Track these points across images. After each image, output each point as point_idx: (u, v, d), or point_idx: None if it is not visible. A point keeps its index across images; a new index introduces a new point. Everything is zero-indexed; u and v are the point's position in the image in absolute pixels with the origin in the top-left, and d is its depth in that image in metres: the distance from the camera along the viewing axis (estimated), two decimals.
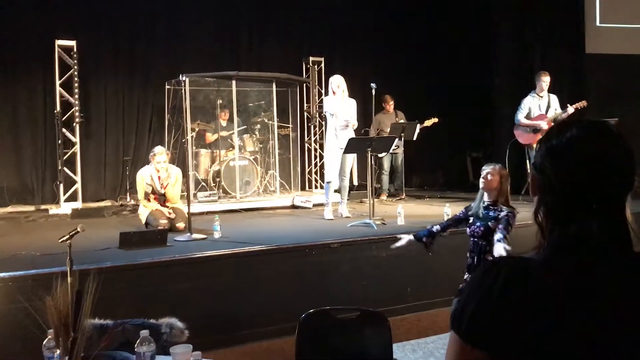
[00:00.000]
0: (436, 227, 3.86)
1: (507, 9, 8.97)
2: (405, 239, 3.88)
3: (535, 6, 8.51)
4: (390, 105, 8.59)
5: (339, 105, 6.22)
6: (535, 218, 1.17)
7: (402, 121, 8.36)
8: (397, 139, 6.95)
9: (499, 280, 1.13)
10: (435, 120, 8.20)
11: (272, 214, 7.20)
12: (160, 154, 5.78)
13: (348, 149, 6.13)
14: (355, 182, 6.49)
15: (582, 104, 6.89)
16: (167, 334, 2.49)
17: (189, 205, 5.42)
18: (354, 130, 6.32)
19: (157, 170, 5.79)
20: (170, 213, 5.79)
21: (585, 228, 1.07)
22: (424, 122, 8.17)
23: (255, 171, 7.98)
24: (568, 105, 6.95)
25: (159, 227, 5.45)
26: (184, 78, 5.44)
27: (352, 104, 6.32)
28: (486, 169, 3.65)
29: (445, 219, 4.18)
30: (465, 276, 3.67)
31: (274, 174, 8.49)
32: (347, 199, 6.69)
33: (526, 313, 1.10)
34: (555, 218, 1.12)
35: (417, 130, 8.02)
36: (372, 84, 6.61)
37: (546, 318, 1.09)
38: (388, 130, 8.16)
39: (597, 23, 8.50)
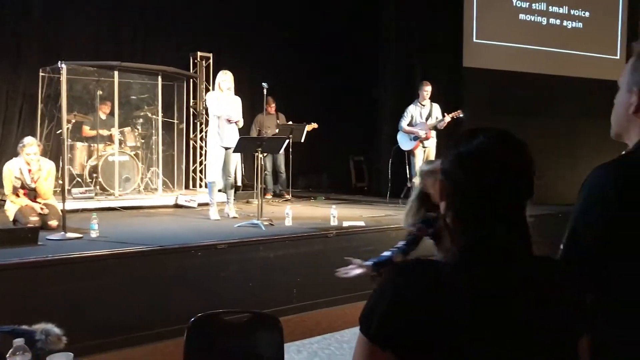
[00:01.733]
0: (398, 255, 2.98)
1: (393, 20, 9.31)
2: (359, 270, 2.89)
3: (419, 19, 8.91)
4: (272, 107, 8.59)
5: (224, 102, 6.10)
6: (444, 223, 1.20)
7: (290, 123, 8.40)
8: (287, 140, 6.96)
9: (409, 282, 1.15)
10: (315, 125, 8.31)
11: (154, 213, 6.92)
12: (31, 145, 5.35)
13: (238, 148, 6.04)
14: (240, 183, 6.39)
15: (457, 113, 7.31)
16: (42, 341, 2.27)
17: (63, 202, 5.06)
18: (239, 130, 6.24)
19: (27, 163, 5.35)
20: (42, 209, 5.37)
21: (491, 232, 1.12)
22: (305, 126, 8.26)
23: (136, 167, 7.63)
24: (445, 114, 7.36)
25: (29, 225, 5.03)
26: (62, 65, 5.04)
27: (238, 101, 6.22)
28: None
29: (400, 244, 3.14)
30: None
31: (156, 171, 8.17)
32: (234, 199, 6.59)
33: (437, 315, 1.11)
34: (463, 222, 1.16)
35: (305, 132, 8.11)
36: (263, 84, 6.56)
37: (457, 320, 1.12)
38: (269, 131, 8.17)
39: (474, 39, 9.08)
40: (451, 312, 1.11)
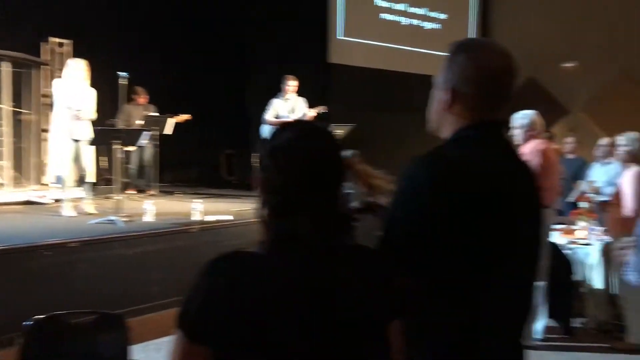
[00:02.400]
0: None
1: (260, 15, 9.31)
2: None
3: (286, 13, 8.98)
4: (143, 98, 8.26)
5: (74, 92, 5.76)
6: (260, 215, 1.22)
7: (153, 114, 8.11)
8: (147, 132, 6.72)
9: (222, 275, 1.15)
10: (188, 117, 8.13)
11: (1, 211, 6.38)
12: None
13: (94, 141, 5.73)
14: (93, 179, 6.05)
15: (321, 108, 7.47)
16: None
17: None
18: (92, 122, 5.91)
19: None
20: None
21: (300, 222, 1.15)
22: (175, 118, 8.04)
23: None
24: (310, 109, 7.49)
25: None
26: None
27: (91, 93, 5.91)
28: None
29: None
30: None
31: (4, 165, 7.52)
32: (92, 195, 6.25)
33: (251, 306, 1.13)
34: (276, 213, 1.19)
35: (170, 124, 7.86)
36: (122, 73, 6.27)
37: (270, 310, 1.14)
38: (136, 122, 7.85)
39: (339, 36, 9.33)
40: (262, 302, 1.13)
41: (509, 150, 1.51)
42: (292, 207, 1.17)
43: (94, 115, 5.92)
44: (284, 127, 1.23)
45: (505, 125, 1.54)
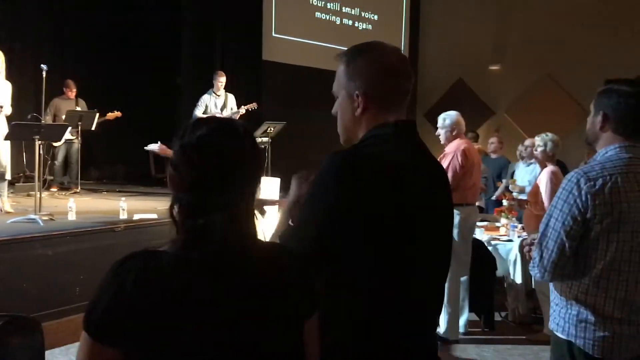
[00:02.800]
0: None
1: (193, 10, 9.13)
2: None
3: (219, 10, 8.85)
4: (72, 92, 7.96)
5: None
6: (171, 213, 1.20)
7: (78, 109, 7.83)
8: (71, 128, 6.48)
9: (130, 275, 1.12)
10: (118, 114, 7.92)
11: None
12: None
13: (11, 136, 5.46)
14: (9, 176, 5.78)
15: (252, 105, 7.44)
16: None
17: None
18: (6, 117, 5.66)
19: None
20: None
21: (210, 221, 1.13)
22: (106, 115, 7.82)
23: None
24: (241, 105, 7.44)
25: None
26: None
27: (6, 86, 5.67)
28: None
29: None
30: None
31: None
32: (11, 192, 5.96)
33: (160, 306, 1.11)
34: (187, 212, 1.17)
35: (96, 120, 7.61)
36: (42, 66, 6.03)
37: (180, 310, 1.12)
38: (64, 116, 7.56)
39: (273, 33, 9.29)
40: (170, 302, 1.11)
41: (419, 147, 1.54)
42: (204, 205, 1.15)
43: (9, 109, 5.67)
44: (195, 124, 1.21)
45: (414, 125, 1.57)
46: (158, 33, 9.39)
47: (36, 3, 8.66)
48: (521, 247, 4.82)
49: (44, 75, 6.09)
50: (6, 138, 5.50)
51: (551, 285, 2.08)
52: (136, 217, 5.52)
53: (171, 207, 1.20)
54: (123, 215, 5.48)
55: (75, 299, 4.65)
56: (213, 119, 1.24)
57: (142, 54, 9.35)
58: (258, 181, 1.24)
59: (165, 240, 1.18)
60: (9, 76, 5.97)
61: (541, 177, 4.62)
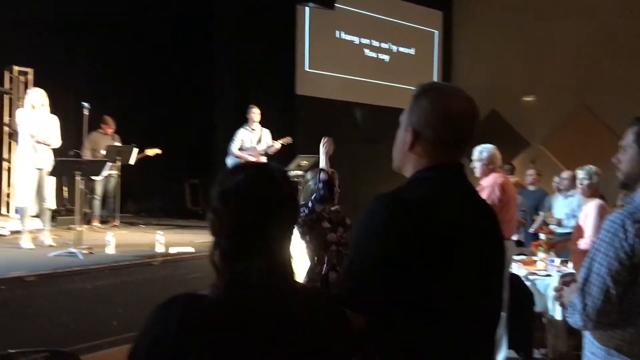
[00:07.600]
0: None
1: (227, 47, 9.36)
2: None
3: (253, 45, 9.05)
4: (111, 129, 8.18)
5: (36, 121, 5.70)
6: (211, 258, 1.22)
7: (117, 144, 8.03)
8: (110, 163, 6.65)
9: (173, 319, 1.14)
10: (159, 151, 8.11)
11: None
12: None
13: (55, 171, 5.64)
14: (54, 206, 5.96)
15: (288, 139, 7.52)
16: None
17: None
18: (55, 150, 5.85)
19: None
20: None
21: (250, 266, 1.15)
22: (145, 151, 7.99)
23: None
24: (275, 140, 7.53)
25: None
26: None
27: (54, 120, 5.86)
28: None
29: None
30: None
31: None
32: (53, 226, 6.11)
33: (201, 350, 1.12)
34: (227, 257, 1.19)
35: (135, 155, 7.78)
36: (84, 103, 6.23)
37: (219, 354, 1.13)
38: (102, 152, 7.77)
39: (306, 68, 9.44)
40: (213, 348, 1.12)
41: (468, 191, 1.54)
42: (244, 250, 1.17)
43: (59, 142, 5.86)
44: (233, 170, 1.24)
45: (463, 166, 1.57)
46: (193, 69, 9.64)
47: (83, 40, 8.96)
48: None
49: (86, 113, 6.28)
50: (51, 174, 5.68)
51: (587, 332, 1.96)
52: (172, 250, 5.59)
53: (212, 253, 1.22)
54: (160, 249, 5.56)
55: (113, 332, 4.72)
56: (250, 165, 1.27)
57: (177, 88, 9.58)
58: (295, 223, 1.26)
59: (201, 274, 1.20)
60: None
61: (588, 210, 4.52)
